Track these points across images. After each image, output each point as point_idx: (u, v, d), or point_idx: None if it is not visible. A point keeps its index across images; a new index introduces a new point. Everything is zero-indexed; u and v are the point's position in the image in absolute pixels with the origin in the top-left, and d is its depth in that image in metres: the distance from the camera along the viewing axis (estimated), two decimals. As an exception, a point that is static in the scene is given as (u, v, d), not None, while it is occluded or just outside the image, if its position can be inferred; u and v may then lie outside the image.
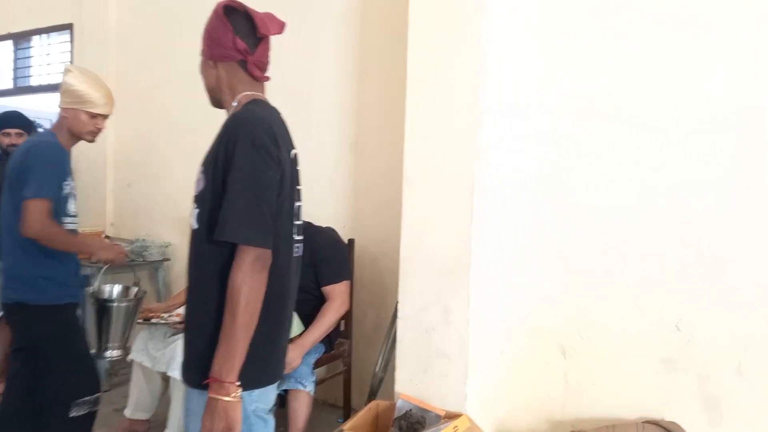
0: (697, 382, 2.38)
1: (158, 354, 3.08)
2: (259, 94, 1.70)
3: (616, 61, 2.48)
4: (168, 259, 4.45)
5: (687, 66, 2.36)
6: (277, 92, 1.69)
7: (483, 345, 2.53)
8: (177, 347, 2.92)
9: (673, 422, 2.34)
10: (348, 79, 3.67)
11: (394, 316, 2.70)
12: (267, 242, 1.52)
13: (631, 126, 2.44)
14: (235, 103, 1.67)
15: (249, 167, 1.51)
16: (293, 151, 1.70)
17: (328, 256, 3.03)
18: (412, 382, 2.56)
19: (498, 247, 2.58)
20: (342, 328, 3.34)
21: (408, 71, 2.56)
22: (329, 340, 3.13)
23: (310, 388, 2.84)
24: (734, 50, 2.29)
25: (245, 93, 1.68)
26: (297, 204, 1.70)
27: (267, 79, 1.73)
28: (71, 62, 5.21)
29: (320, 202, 3.60)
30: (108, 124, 2.72)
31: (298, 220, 1.71)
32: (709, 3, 2.32)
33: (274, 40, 1.71)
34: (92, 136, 2.60)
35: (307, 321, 2.92)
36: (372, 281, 3.58)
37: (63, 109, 2.55)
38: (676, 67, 2.38)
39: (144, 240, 4.43)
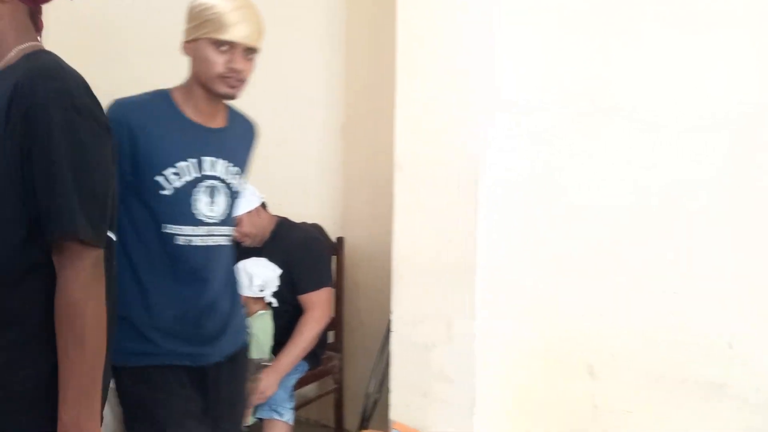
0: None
1: None
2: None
3: (616, 59, 2.43)
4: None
5: (687, 63, 2.30)
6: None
7: (492, 364, 2.19)
8: None
9: None
10: (336, 54, 3.16)
11: (388, 329, 2.37)
12: (104, 241, 1.17)
13: (630, 122, 2.37)
14: (12, 54, 1.20)
15: (72, 139, 1.11)
16: None
17: (302, 259, 2.65)
18: (409, 408, 2.21)
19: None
20: (331, 339, 2.97)
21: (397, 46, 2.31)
22: (314, 355, 2.74)
23: (287, 416, 2.46)
24: (735, 47, 2.23)
25: (31, 43, 1.23)
26: None
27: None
28: None
29: (305, 195, 3.21)
30: None
31: None
32: (710, 0, 2.25)
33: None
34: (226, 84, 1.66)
35: (283, 335, 2.57)
36: (367, 284, 3.13)
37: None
38: (676, 64, 2.32)
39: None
